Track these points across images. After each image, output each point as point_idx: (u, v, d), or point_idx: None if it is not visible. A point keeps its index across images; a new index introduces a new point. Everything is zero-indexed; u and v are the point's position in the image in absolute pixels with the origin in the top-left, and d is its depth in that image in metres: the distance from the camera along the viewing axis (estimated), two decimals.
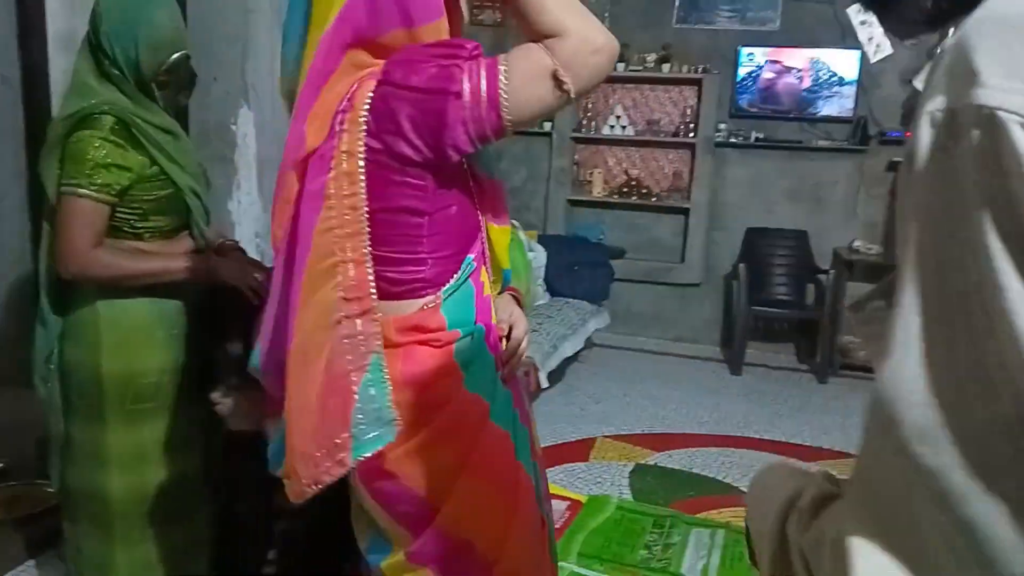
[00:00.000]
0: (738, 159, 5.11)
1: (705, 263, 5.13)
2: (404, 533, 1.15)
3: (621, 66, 5.15)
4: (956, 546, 0.45)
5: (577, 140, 5.42)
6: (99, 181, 1.60)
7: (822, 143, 4.88)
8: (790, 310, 4.86)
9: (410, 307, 1.11)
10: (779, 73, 4.97)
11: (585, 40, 1.02)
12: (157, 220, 1.73)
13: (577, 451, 3.41)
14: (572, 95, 1.03)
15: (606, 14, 5.26)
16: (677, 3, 5.14)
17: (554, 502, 2.83)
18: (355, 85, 1.05)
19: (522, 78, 1.01)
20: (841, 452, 3.50)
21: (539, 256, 4.51)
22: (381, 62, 1.07)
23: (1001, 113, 0.43)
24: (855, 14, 4.86)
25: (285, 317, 1.07)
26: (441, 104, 1.00)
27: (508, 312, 1.27)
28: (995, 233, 0.43)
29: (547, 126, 5.30)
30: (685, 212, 5.15)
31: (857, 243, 4.77)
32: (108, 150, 1.60)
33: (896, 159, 4.74)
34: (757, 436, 3.66)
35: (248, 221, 3.34)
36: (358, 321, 1.05)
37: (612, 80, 5.26)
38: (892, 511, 0.49)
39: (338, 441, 1.04)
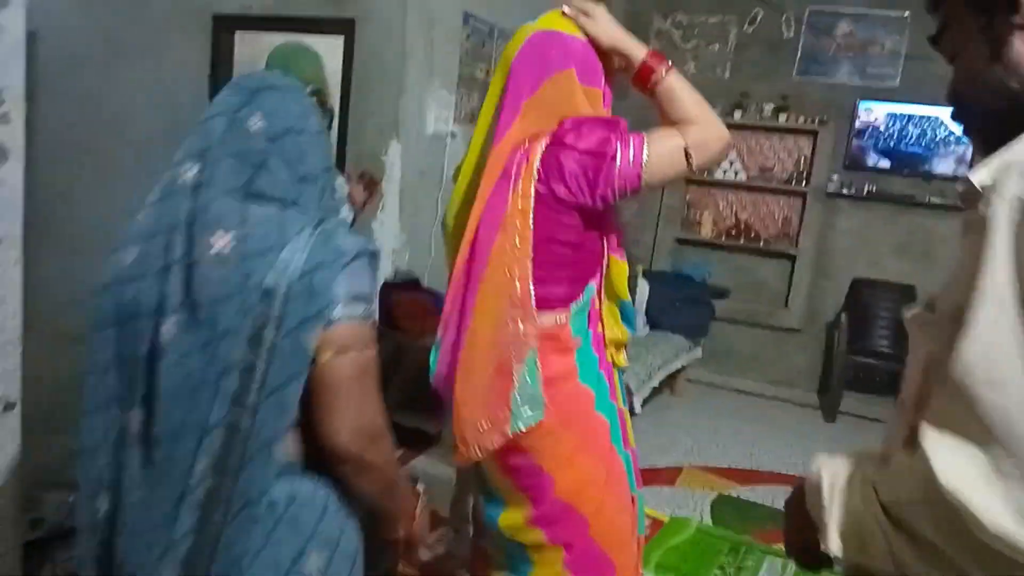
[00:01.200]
0: (849, 210, 5.22)
1: (808, 309, 5.25)
2: (524, 498, 1.46)
3: (738, 113, 5.38)
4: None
5: (689, 181, 5.65)
6: None
7: (934, 199, 4.94)
8: (890, 362, 4.91)
9: (547, 319, 1.42)
10: (896, 128, 5.07)
11: (708, 129, 1.37)
12: None
13: (664, 477, 3.65)
14: (694, 168, 1.38)
15: (727, 63, 5.51)
16: (799, 55, 5.32)
17: None
18: (527, 142, 1.40)
19: (659, 153, 1.35)
20: None
21: (642, 290, 4.77)
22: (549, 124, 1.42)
23: None
24: None
25: (460, 318, 1.42)
26: (598, 164, 1.34)
27: None
28: None
29: None
30: (792, 258, 5.29)
31: None
32: None
33: None
34: None
35: (388, 238, 3.78)
36: (521, 324, 1.37)
37: (730, 127, 5.46)
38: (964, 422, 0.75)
39: (501, 415, 1.37)
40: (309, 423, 1.10)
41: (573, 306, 1.46)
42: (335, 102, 3.97)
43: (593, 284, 1.49)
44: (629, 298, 1.56)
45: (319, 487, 1.14)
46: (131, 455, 1.10)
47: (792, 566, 2.89)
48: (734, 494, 3.52)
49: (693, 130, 1.36)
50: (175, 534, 1.06)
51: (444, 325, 1.48)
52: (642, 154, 1.34)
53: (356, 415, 1.08)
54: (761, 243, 5.40)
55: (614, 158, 1.33)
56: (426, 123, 3.87)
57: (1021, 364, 0.72)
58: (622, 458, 1.53)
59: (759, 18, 5.38)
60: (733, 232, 5.52)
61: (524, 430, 1.37)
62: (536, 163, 1.36)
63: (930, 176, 5.01)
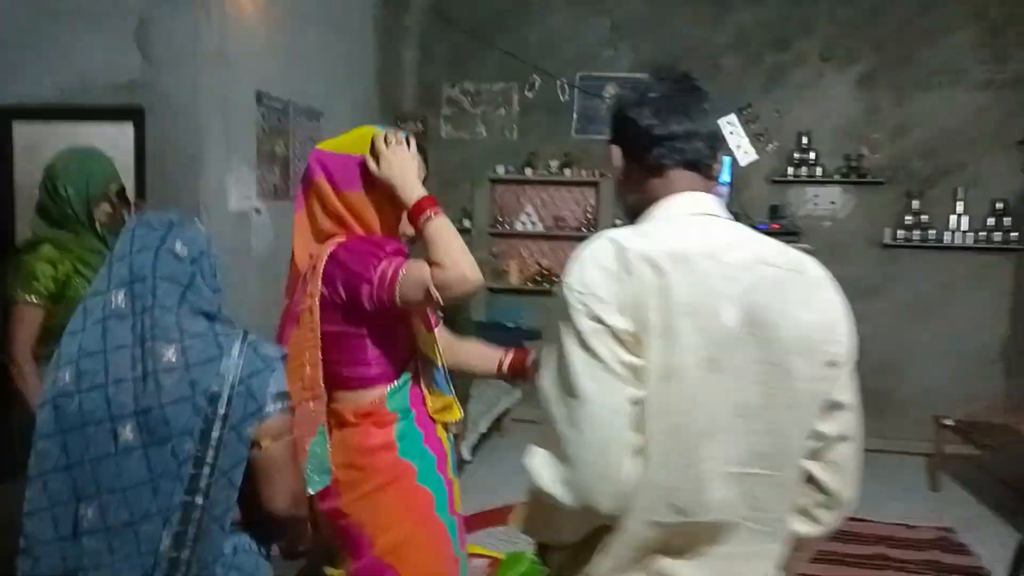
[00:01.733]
0: None
1: None
2: (347, 556, 1.65)
3: (528, 170, 5.83)
4: None
5: (493, 234, 6.02)
6: (35, 287, 2.17)
7: None
8: None
9: (364, 397, 1.64)
10: None
11: (452, 273, 1.52)
12: None
13: (497, 516, 3.83)
14: (438, 302, 1.56)
15: (514, 126, 5.97)
16: (575, 116, 5.88)
17: (476, 560, 3.25)
18: (320, 252, 1.61)
19: (411, 282, 1.53)
20: None
21: None
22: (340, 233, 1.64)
23: None
24: (725, 126, 5.69)
25: None
26: (357, 283, 1.55)
27: None
28: None
29: (467, 223, 5.90)
30: None
31: None
32: (41, 265, 2.17)
33: None
34: None
35: None
36: (311, 403, 1.59)
37: (523, 183, 5.93)
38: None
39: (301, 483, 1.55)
40: (243, 493, 1.38)
41: (390, 387, 1.66)
42: (130, 189, 3.92)
43: (410, 370, 1.70)
44: (438, 363, 1.75)
45: (251, 540, 1.45)
46: (90, 543, 1.32)
47: None
48: None
49: (437, 272, 1.51)
50: None
51: None
52: (396, 279, 1.52)
53: (290, 485, 1.41)
54: None
55: (370, 281, 1.54)
56: (228, 201, 3.90)
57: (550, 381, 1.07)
58: (446, 524, 1.70)
59: (537, 84, 5.90)
60: (538, 278, 5.93)
61: (330, 500, 1.63)
62: (320, 270, 1.57)
63: None
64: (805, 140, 5.58)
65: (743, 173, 5.65)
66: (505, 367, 1.82)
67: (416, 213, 1.58)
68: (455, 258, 1.52)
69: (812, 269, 1.14)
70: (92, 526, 1.32)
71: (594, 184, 5.78)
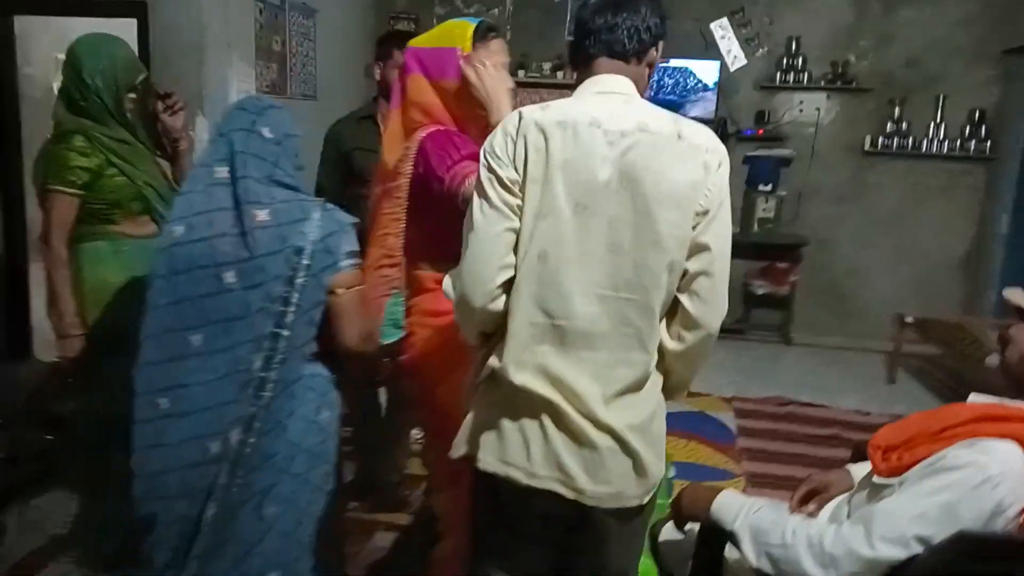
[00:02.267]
0: None
1: None
2: (419, 405, 1.94)
3: (521, 72, 5.90)
4: None
5: None
6: (67, 178, 2.23)
7: None
8: None
9: (442, 268, 1.62)
10: (654, 80, 5.81)
11: None
12: (123, 207, 2.32)
13: None
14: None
15: (507, 27, 6.00)
16: (568, 17, 5.91)
17: None
18: (411, 142, 1.80)
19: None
20: (697, 392, 4.35)
21: None
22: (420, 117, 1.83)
23: None
24: (716, 30, 5.75)
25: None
26: (431, 177, 1.74)
27: None
28: None
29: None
30: None
31: None
32: (73, 156, 2.22)
33: (750, 153, 5.66)
34: None
35: None
36: (389, 269, 1.83)
37: (516, 85, 6.00)
38: None
39: (376, 330, 1.88)
40: (322, 331, 1.74)
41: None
42: None
43: None
44: None
45: (325, 368, 1.81)
46: (196, 363, 1.68)
47: None
48: None
49: None
50: (241, 411, 1.67)
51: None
52: (461, 187, 1.67)
53: (358, 326, 1.77)
54: None
55: (440, 179, 1.71)
56: (229, 96, 4.02)
57: None
58: None
59: None
60: None
61: (387, 343, 1.94)
62: (411, 155, 1.76)
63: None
64: (794, 46, 5.66)
65: (732, 79, 5.75)
66: None
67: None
68: None
69: (692, 137, 1.35)
70: (197, 350, 1.67)
71: None
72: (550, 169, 1.33)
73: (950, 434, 1.36)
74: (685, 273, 1.36)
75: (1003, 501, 1.25)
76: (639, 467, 1.38)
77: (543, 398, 1.36)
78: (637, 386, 1.38)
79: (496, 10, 5.97)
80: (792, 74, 5.65)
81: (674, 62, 5.74)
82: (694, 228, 1.34)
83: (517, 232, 1.36)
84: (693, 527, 1.70)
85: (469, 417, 1.48)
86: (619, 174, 1.32)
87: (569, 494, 1.37)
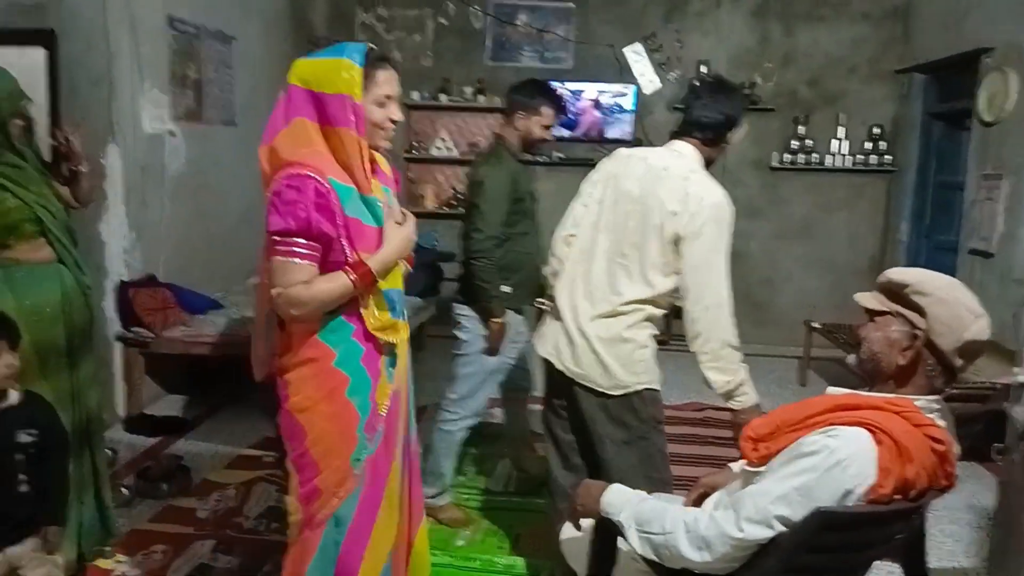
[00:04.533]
0: (545, 175, 6.08)
1: None
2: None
3: (443, 96, 6.00)
4: None
5: (409, 160, 6.22)
6: None
7: None
8: None
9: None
10: (574, 104, 5.99)
11: (295, 310, 1.74)
12: (17, 231, 2.31)
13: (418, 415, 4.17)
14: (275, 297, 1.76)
15: (428, 52, 6.11)
16: (489, 44, 6.06)
17: None
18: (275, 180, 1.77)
19: (275, 273, 1.75)
20: None
21: None
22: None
23: None
24: (630, 55, 5.97)
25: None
26: (266, 227, 1.79)
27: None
28: None
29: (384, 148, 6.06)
30: None
31: None
32: None
33: None
34: None
35: (116, 240, 3.89)
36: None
37: (437, 109, 6.11)
38: None
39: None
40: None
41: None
42: (43, 111, 3.96)
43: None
44: (394, 286, 1.88)
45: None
46: None
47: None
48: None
49: (290, 298, 1.70)
50: None
51: None
52: (270, 258, 1.73)
53: None
54: None
55: (269, 234, 1.73)
56: (142, 123, 4.00)
57: None
58: (356, 407, 1.83)
59: (451, 10, 6.02)
60: (453, 202, 6.17)
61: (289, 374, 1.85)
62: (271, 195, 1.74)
63: (605, 141, 6.00)
64: (704, 68, 5.90)
65: (648, 101, 5.96)
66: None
67: (354, 266, 1.74)
68: (314, 306, 1.73)
69: (679, 172, 2.13)
70: None
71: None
72: (606, 184, 2.29)
73: (809, 423, 1.47)
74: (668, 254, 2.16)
75: (852, 480, 1.36)
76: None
77: None
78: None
79: (418, 35, 6.08)
80: None
81: (592, 85, 5.93)
82: (673, 228, 2.10)
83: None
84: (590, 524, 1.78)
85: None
86: (640, 191, 2.16)
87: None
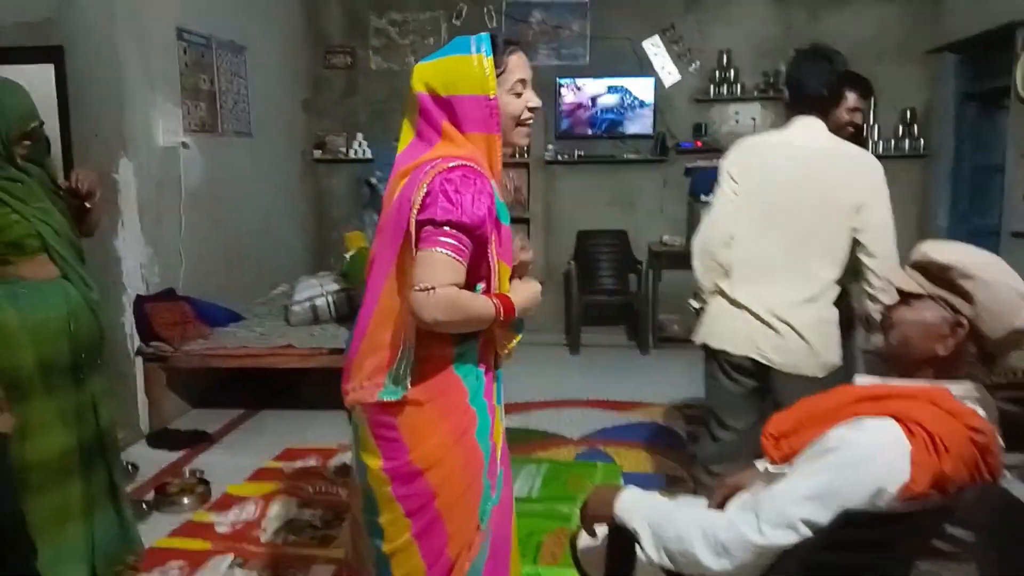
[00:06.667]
0: (565, 174, 5.99)
1: (546, 263, 5.95)
2: (379, 453, 1.59)
3: None
4: None
5: None
6: None
7: (631, 156, 5.82)
8: (616, 296, 5.75)
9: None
10: (592, 100, 5.88)
11: (439, 316, 1.45)
12: (19, 247, 2.26)
13: None
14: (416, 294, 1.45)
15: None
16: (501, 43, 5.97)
17: None
18: (419, 169, 1.52)
19: (421, 267, 1.45)
20: (652, 403, 4.34)
21: None
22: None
23: None
24: (649, 48, 5.84)
25: (371, 297, 1.59)
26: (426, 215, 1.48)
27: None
28: None
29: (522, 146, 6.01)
30: (526, 221, 5.96)
31: (665, 237, 5.72)
32: None
33: (690, 165, 5.73)
34: (584, 398, 4.46)
35: (133, 255, 3.88)
36: (411, 317, 1.48)
37: None
38: None
39: (377, 382, 1.55)
40: None
41: None
42: (55, 128, 3.97)
43: (481, 286, 1.57)
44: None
45: None
46: None
47: (544, 467, 3.45)
48: None
49: (434, 302, 1.42)
50: None
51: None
52: (421, 249, 1.45)
53: None
54: None
55: (434, 232, 1.45)
56: (155, 137, 3.99)
57: None
58: (483, 451, 1.62)
59: (464, 12, 5.96)
60: None
61: (385, 401, 1.54)
62: (424, 186, 1.46)
63: (625, 136, 5.89)
64: (726, 59, 5.75)
65: (668, 94, 5.83)
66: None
67: (502, 299, 1.55)
68: (459, 319, 1.48)
69: (831, 146, 2.29)
70: None
71: None
72: (754, 168, 2.36)
73: (834, 416, 1.35)
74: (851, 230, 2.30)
75: (882, 477, 1.24)
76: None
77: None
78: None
79: (432, 39, 6.02)
80: (725, 86, 5.74)
81: (611, 81, 5.81)
82: (851, 199, 2.23)
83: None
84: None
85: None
86: (802, 174, 2.27)
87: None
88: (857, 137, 3.26)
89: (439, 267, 1.44)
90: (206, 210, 4.42)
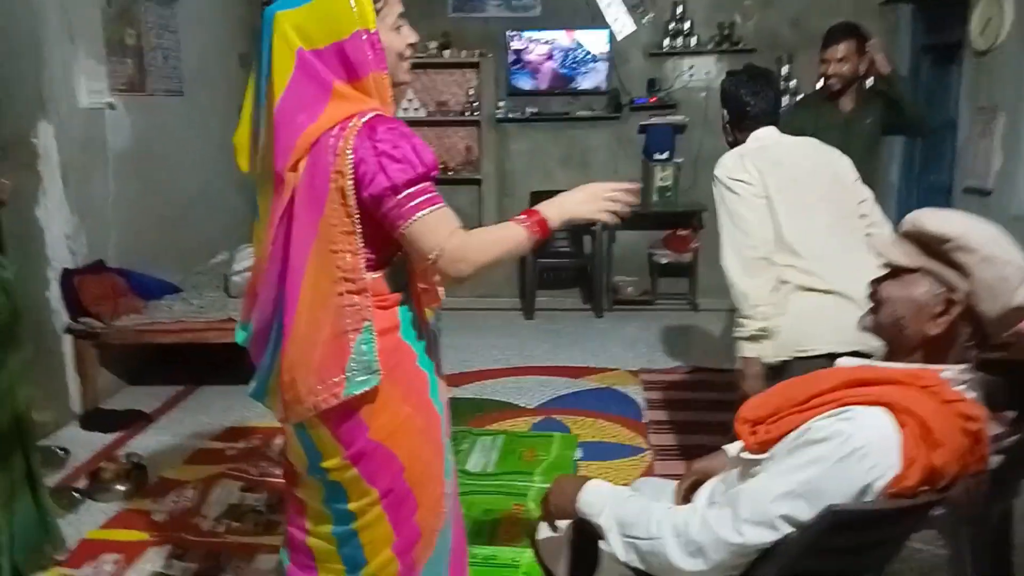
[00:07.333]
0: (518, 132, 5.80)
1: None
2: (338, 444, 1.46)
3: None
4: None
5: None
6: None
7: (583, 113, 5.66)
8: (570, 259, 5.64)
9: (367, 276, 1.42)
10: (543, 54, 5.68)
11: (467, 269, 1.37)
12: None
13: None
14: (432, 262, 1.37)
15: None
16: None
17: None
18: (346, 123, 1.37)
19: (424, 232, 1.36)
20: (607, 368, 4.27)
21: None
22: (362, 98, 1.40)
23: None
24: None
25: (282, 291, 1.42)
26: (380, 185, 1.35)
27: None
28: None
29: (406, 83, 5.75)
30: (478, 182, 5.77)
31: None
32: None
33: (643, 122, 5.59)
34: (539, 364, 4.36)
35: (57, 224, 3.61)
36: (355, 296, 1.39)
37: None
38: None
39: (334, 380, 1.40)
40: None
41: (388, 266, 1.47)
42: None
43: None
44: None
45: None
46: None
47: (500, 440, 3.35)
48: (450, 395, 3.92)
49: (455, 252, 1.35)
50: None
51: (255, 293, 1.50)
52: (411, 216, 1.34)
53: None
54: (450, 172, 5.80)
55: (395, 191, 1.34)
56: (77, 96, 3.69)
57: None
58: (438, 410, 1.56)
59: None
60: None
61: (358, 394, 1.41)
62: (350, 144, 1.35)
63: (578, 92, 5.71)
64: (680, 10, 5.59)
65: (622, 48, 5.66)
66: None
67: (535, 223, 1.42)
68: (480, 261, 1.37)
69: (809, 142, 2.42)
70: None
71: (474, 65, 5.68)
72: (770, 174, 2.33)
73: (817, 402, 1.25)
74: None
75: (871, 472, 1.15)
76: None
77: None
78: None
79: None
80: (680, 39, 5.59)
81: (560, 35, 5.61)
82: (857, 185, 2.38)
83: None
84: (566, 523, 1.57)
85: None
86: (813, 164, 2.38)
87: None
88: (842, 92, 3.25)
89: (432, 228, 1.36)
90: (137, 175, 4.14)
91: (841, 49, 3.27)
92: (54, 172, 3.56)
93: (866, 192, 2.37)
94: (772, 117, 2.39)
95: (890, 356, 1.31)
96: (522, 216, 1.43)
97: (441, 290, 1.66)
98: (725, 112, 2.45)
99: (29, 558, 2.36)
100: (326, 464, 1.49)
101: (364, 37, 1.38)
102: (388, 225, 1.38)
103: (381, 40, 1.40)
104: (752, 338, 2.19)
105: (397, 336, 1.48)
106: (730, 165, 2.30)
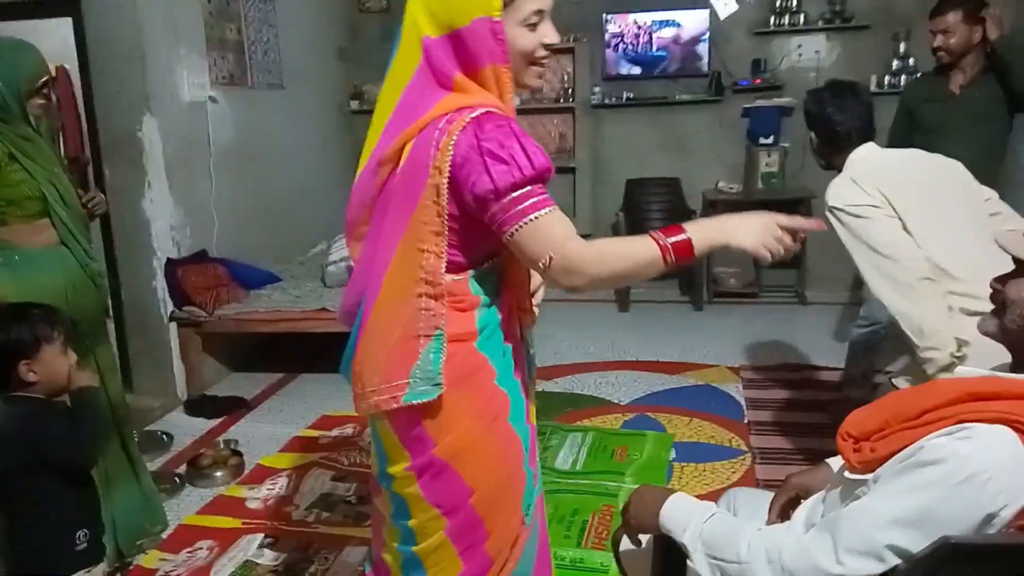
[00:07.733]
0: (613, 118, 5.65)
1: (592, 215, 5.68)
2: (404, 452, 1.39)
3: None
4: None
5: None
6: None
7: (683, 97, 5.45)
8: None
9: (446, 277, 1.33)
10: (641, 36, 5.50)
11: (586, 279, 1.27)
12: (19, 207, 2.16)
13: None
14: (546, 272, 1.28)
15: None
16: None
17: None
18: (444, 121, 1.27)
19: (535, 238, 1.25)
20: (706, 364, 4.10)
21: None
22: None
23: None
24: None
25: (370, 277, 1.38)
26: (483, 187, 1.25)
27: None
28: None
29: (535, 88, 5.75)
30: (572, 170, 5.66)
31: (721, 184, 5.37)
32: None
33: (747, 105, 5.33)
34: (633, 359, 4.23)
35: (163, 217, 3.75)
36: (433, 301, 1.31)
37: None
38: None
39: (397, 383, 1.33)
40: None
41: (474, 269, 1.37)
42: (76, 85, 3.84)
43: (501, 256, 1.40)
44: None
45: None
46: None
47: (589, 436, 3.26)
48: (539, 389, 3.85)
49: (589, 253, 1.26)
50: None
51: (355, 283, 1.46)
52: (521, 220, 1.24)
53: None
54: None
55: (497, 196, 1.24)
56: (180, 92, 3.82)
57: None
58: (519, 434, 1.45)
59: None
60: None
61: (425, 405, 1.33)
62: (452, 141, 1.26)
63: (677, 76, 5.51)
64: None
65: (724, 27, 5.41)
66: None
67: (669, 232, 1.28)
68: (600, 271, 1.28)
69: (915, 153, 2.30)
70: None
71: (569, 51, 5.56)
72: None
73: (931, 418, 1.11)
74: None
75: (994, 500, 1.00)
76: None
77: None
78: None
79: None
80: (787, 16, 5.28)
81: (661, 15, 5.42)
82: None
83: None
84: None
85: None
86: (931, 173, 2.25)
87: None
88: (952, 65, 2.95)
89: (545, 233, 1.25)
90: (238, 167, 4.26)
91: (948, 19, 2.96)
92: (159, 165, 3.69)
93: (987, 191, 2.22)
94: (867, 134, 2.19)
95: (1016, 367, 1.14)
96: (660, 232, 1.27)
97: (536, 310, 1.56)
98: (812, 135, 2.28)
99: (132, 540, 2.46)
100: (392, 470, 1.42)
101: (488, 26, 1.27)
102: (495, 230, 1.27)
103: (506, 33, 1.29)
104: (949, 367, 1.90)
105: (471, 346, 1.37)
106: (845, 194, 2.08)
